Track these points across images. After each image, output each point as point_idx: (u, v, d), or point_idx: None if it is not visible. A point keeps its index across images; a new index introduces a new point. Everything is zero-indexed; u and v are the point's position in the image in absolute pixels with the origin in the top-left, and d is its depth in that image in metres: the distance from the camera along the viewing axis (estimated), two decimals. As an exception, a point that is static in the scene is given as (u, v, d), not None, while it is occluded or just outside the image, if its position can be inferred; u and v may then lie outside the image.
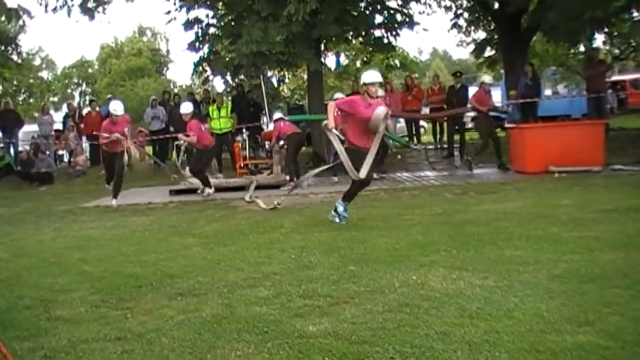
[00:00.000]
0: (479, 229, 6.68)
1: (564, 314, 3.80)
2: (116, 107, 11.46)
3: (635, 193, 8.85)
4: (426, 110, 19.36)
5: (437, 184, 11.88)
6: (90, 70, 72.31)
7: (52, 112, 22.14)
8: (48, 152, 18.69)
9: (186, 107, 12.49)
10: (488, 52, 22.53)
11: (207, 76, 20.23)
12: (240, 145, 14.19)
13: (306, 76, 21.50)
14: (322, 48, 19.40)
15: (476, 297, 4.24)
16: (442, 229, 6.79)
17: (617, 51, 26.63)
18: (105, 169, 12.80)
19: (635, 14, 19.61)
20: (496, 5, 19.19)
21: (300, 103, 29.04)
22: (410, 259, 5.46)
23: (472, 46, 23.57)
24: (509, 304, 4.04)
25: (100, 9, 18.61)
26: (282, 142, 12.94)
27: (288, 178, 12.71)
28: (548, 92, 26.25)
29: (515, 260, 5.19)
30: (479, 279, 4.65)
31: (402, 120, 19.78)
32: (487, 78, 14.25)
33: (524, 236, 6.10)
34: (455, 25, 22.63)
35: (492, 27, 21.13)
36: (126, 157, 12.04)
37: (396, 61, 32.10)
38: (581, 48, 22.57)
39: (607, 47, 26.27)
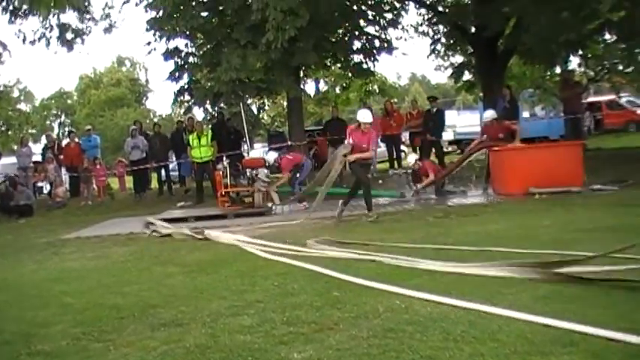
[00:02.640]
0: (461, 251, 6.69)
1: (548, 335, 3.79)
2: (365, 115, 11.19)
3: (614, 213, 8.92)
4: (405, 134, 19.51)
5: (418, 208, 11.91)
6: (69, 101, 72.19)
7: (30, 144, 21.96)
8: (26, 185, 18.53)
9: None
10: (467, 75, 22.80)
11: (188, 105, 20.24)
12: (221, 173, 14.16)
13: (285, 103, 21.61)
14: (301, 74, 19.51)
15: (460, 320, 4.22)
16: (424, 253, 6.79)
17: (592, 73, 26.97)
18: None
19: (608, 36, 19.97)
20: (473, 30, 19.42)
21: (281, 130, 29.10)
22: (393, 284, 5.44)
23: (450, 71, 23.85)
24: (493, 327, 4.02)
25: (79, 40, 18.62)
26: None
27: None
28: (526, 114, 26.51)
29: (498, 282, 5.19)
30: (462, 302, 4.64)
31: (382, 144, 19.85)
32: (489, 113, 14.09)
33: (507, 258, 6.11)
34: (433, 50, 22.89)
35: (470, 51, 21.38)
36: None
37: (375, 87, 32.32)
38: (558, 70, 22.85)
39: (582, 69, 26.62)
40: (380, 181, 16.78)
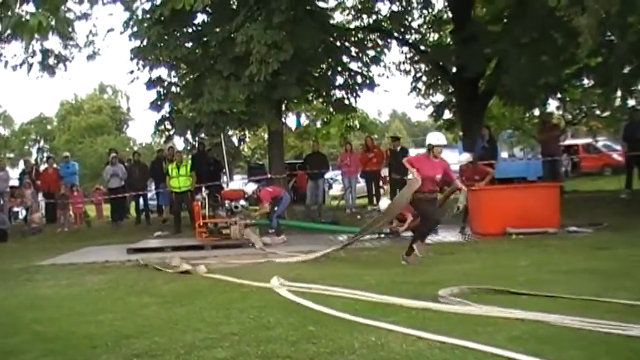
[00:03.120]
0: (438, 289, 6.70)
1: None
2: (439, 137, 9.83)
3: (589, 255, 9.01)
4: (385, 171, 19.62)
5: (396, 245, 11.92)
6: (49, 127, 71.74)
7: (8, 168, 21.77)
8: (2, 209, 18.32)
9: None
10: (447, 114, 23.01)
11: (169, 134, 20.21)
12: (199, 203, 14.12)
13: (266, 136, 21.63)
14: (283, 108, 19.61)
15: (435, 358, 4.23)
16: (402, 290, 6.79)
17: (570, 116, 27.39)
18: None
19: (586, 81, 20.35)
20: (454, 69, 19.66)
21: (261, 163, 29.11)
22: (370, 319, 5.43)
23: (431, 109, 24.06)
24: (468, 366, 4.04)
25: (61, 66, 18.57)
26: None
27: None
28: (504, 155, 26.78)
29: (473, 321, 5.20)
30: (438, 339, 4.65)
31: (361, 180, 19.93)
32: (464, 157, 14.07)
33: (483, 297, 6.13)
34: (414, 88, 23.11)
35: (450, 90, 21.61)
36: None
37: (356, 122, 32.51)
38: (536, 112, 23.14)
39: (560, 112, 27.02)
40: (358, 217, 16.82)
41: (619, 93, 18.94)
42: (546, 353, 4.21)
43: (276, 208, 13.82)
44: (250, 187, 14.50)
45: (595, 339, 4.51)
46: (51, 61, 18.24)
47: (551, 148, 17.51)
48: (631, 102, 19.26)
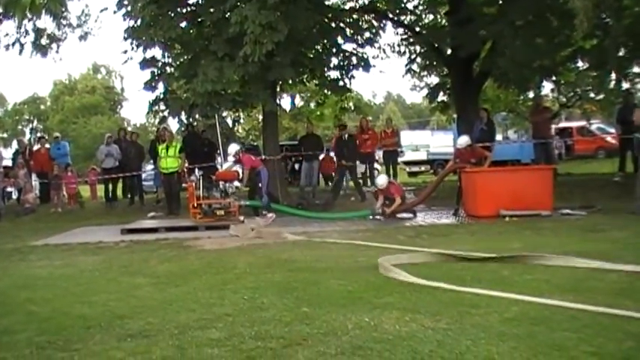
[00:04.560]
0: (432, 271, 6.72)
1: (515, 357, 3.83)
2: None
3: (582, 237, 9.05)
4: (379, 153, 19.66)
5: (390, 227, 11.95)
6: (42, 107, 71.44)
7: (1, 148, 21.69)
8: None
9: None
10: (441, 96, 22.99)
11: (163, 115, 20.13)
12: (193, 184, 14.10)
13: (261, 117, 21.58)
14: (278, 89, 19.54)
15: (428, 339, 4.24)
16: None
17: (564, 99, 27.42)
18: None
19: (580, 64, 20.36)
20: (449, 51, 19.62)
21: (255, 144, 29.10)
22: (363, 301, 5.45)
23: (425, 91, 24.06)
24: (461, 347, 4.05)
25: (54, 46, 18.45)
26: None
27: None
28: (498, 137, 26.82)
29: (467, 303, 5.21)
30: (431, 321, 4.66)
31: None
32: (463, 140, 14.08)
33: (477, 279, 6.15)
34: (409, 70, 23.06)
35: (445, 72, 21.60)
36: None
37: (351, 104, 32.51)
38: (531, 94, 23.17)
39: (555, 95, 27.05)
40: (352, 199, 16.85)
41: (613, 76, 18.99)
42: (538, 334, 4.24)
43: (260, 185, 13.85)
44: (233, 148, 14.55)
45: (587, 320, 4.53)
46: (44, 40, 18.14)
47: (542, 131, 17.55)
48: (625, 85, 19.31)
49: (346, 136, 17.90)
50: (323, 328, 4.66)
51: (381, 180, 13.91)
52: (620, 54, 16.54)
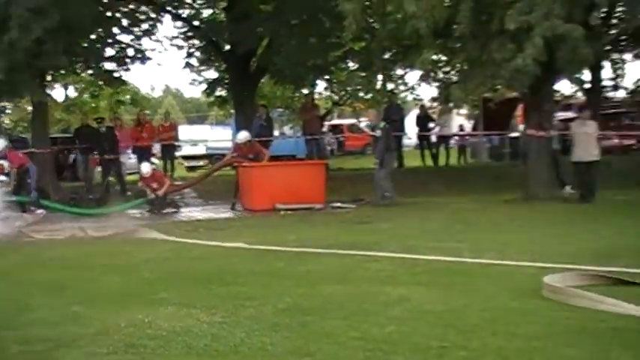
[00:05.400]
0: (208, 265, 6.76)
1: (288, 346, 3.95)
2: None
3: (352, 230, 9.62)
4: (157, 146, 19.35)
5: (167, 222, 11.81)
6: None
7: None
8: None
9: None
10: (219, 91, 23.07)
11: None
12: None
13: (30, 108, 20.33)
14: (49, 78, 18.51)
15: (203, 334, 4.26)
16: (172, 266, 6.77)
17: (336, 97, 28.66)
18: None
19: (351, 64, 21.48)
20: (227, 46, 19.73)
21: (23, 136, 27.26)
22: (138, 298, 5.36)
23: (204, 85, 23.94)
24: (235, 340, 4.11)
25: None
26: None
27: None
28: (275, 133, 27.41)
29: (242, 296, 5.30)
30: (207, 315, 4.69)
31: (133, 156, 19.41)
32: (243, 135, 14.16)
33: (251, 272, 6.28)
34: (187, 64, 22.87)
35: (223, 67, 21.68)
36: None
37: (127, 97, 31.64)
38: (305, 91, 23.97)
39: (328, 93, 28.18)
40: (129, 193, 16.40)
41: (380, 77, 20.23)
42: (310, 324, 4.42)
43: (29, 181, 13.13)
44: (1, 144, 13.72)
45: (353, 308, 4.80)
46: None
47: (312, 127, 18.32)
48: (390, 85, 20.66)
49: (103, 128, 17.20)
50: (95, 327, 4.51)
51: (145, 168, 13.78)
52: (386, 57, 17.65)
